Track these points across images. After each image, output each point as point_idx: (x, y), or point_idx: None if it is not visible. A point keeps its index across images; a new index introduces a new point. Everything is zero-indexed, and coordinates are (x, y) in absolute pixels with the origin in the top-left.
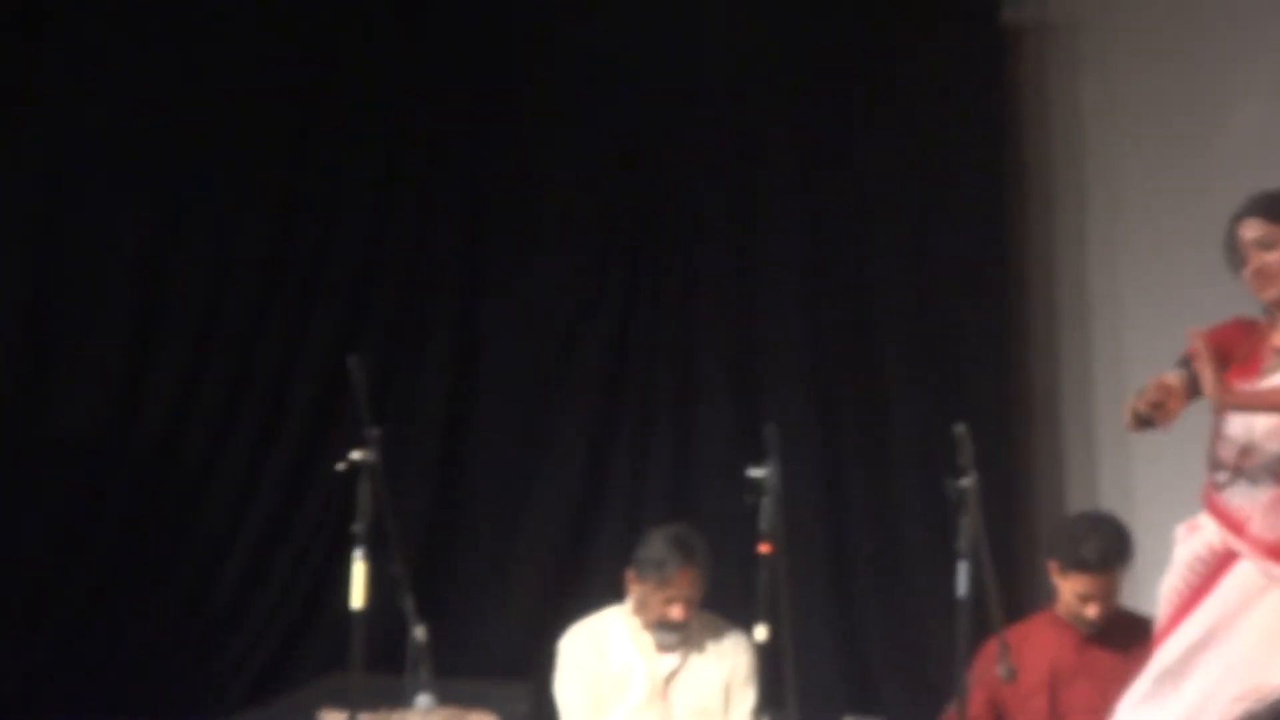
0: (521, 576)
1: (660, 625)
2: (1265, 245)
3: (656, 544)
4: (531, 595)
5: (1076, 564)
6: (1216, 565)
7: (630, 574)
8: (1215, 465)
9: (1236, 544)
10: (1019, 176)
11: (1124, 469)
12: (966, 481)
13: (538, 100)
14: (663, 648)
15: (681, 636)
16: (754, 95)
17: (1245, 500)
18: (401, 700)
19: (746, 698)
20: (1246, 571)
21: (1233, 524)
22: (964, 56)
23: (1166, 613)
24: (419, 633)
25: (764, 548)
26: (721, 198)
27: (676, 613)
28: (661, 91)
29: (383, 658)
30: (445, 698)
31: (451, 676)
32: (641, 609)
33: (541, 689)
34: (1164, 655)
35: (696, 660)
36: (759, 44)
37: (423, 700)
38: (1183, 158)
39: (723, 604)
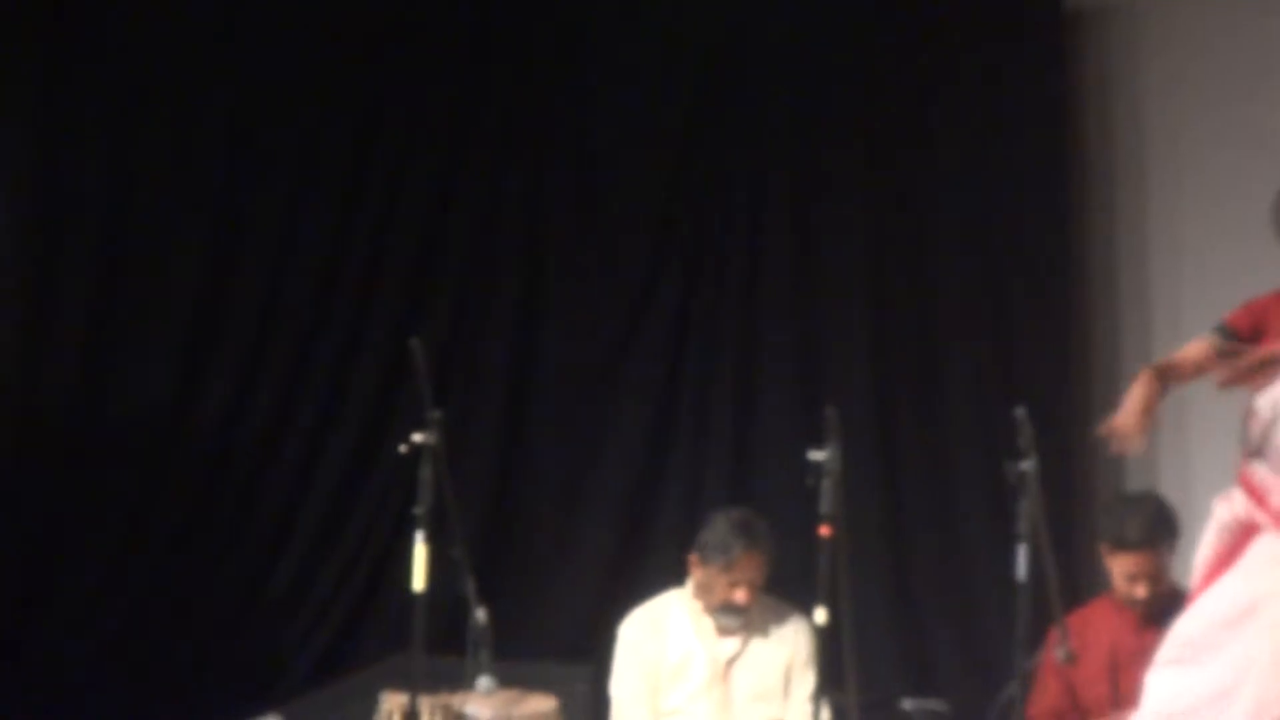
0: (582, 559)
1: (723, 609)
2: None
3: (721, 528)
4: (592, 578)
5: (1120, 543)
6: (1242, 535)
7: (694, 558)
8: (1245, 438)
9: (1260, 515)
10: (1081, 161)
11: (1182, 451)
12: (1026, 465)
13: (601, 82)
14: (724, 631)
15: (743, 620)
16: (817, 79)
17: (1270, 473)
18: (463, 682)
19: (806, 681)
20: (1269, 544)
21: (1258, 496)
22: (1026, 40)
23: (1196, 582)
24: (480, 615)
25: (824, 530)
26: (784, 182)
27: (741, 597)
28: (726, 73)
29: (444, 640)
30: (506, 680)
31: (512, 659)
32: (705, 593)
33: (602, 671)
34: (1188, 624)
35: (757, 644)
36: (824, 27)
37: (483, 683)
38: (1244, 141)
39: (783, 586)
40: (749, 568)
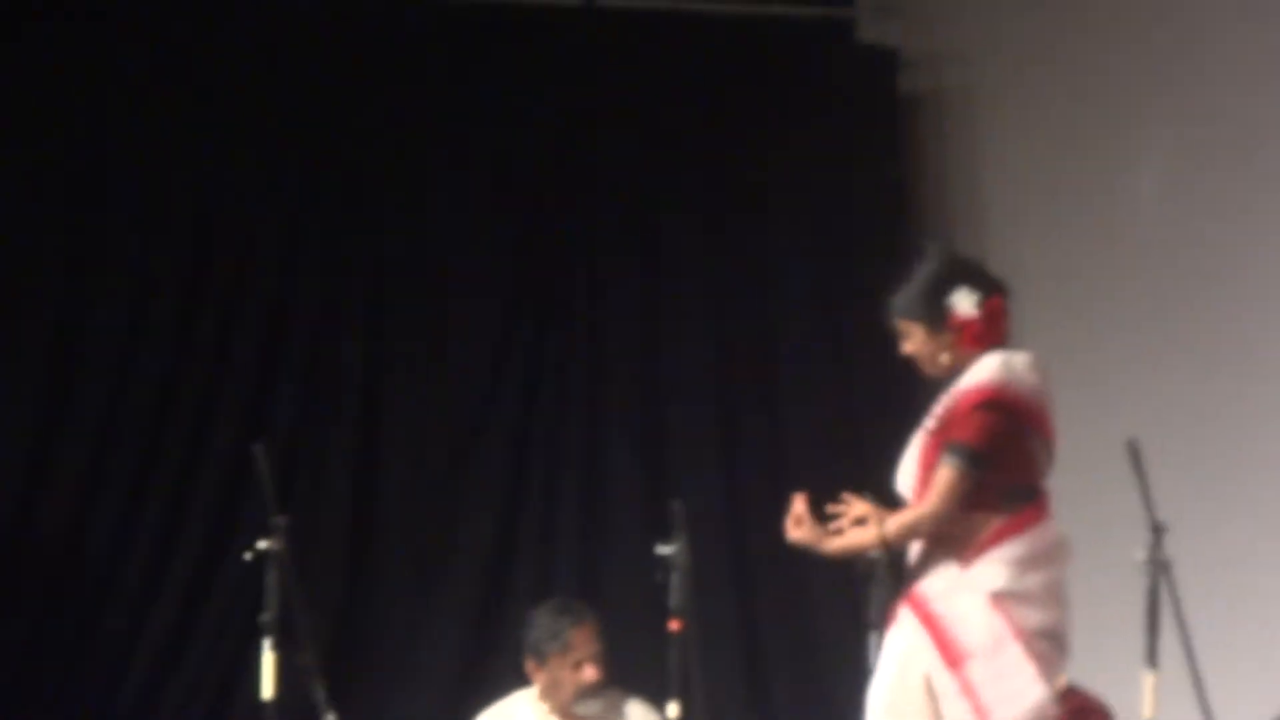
0: (431, 662)
1: (579, 698)
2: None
3: (543, 619)
4: (441, 681)
5: None
6: None
7: (530, 664)
8: None
9: None
10: (921, 244)
11: None
12: (875, 554)
13: (438, 175)
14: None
15: (603, 704)
16: (655, 165)
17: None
18: None
19: None
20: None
21: None
22: (863, 125)
23: None
24: None
25: (674, 625)
26: (626, 272)
27: (590, 674)
28: (565, 160)
29: None
30: None
31: None
32: (555, 691)
33: None
34: None
35: None
36: (659, 113)
37: None
38: (1082, 223)
39: (635, 682)
40: (586, 642)
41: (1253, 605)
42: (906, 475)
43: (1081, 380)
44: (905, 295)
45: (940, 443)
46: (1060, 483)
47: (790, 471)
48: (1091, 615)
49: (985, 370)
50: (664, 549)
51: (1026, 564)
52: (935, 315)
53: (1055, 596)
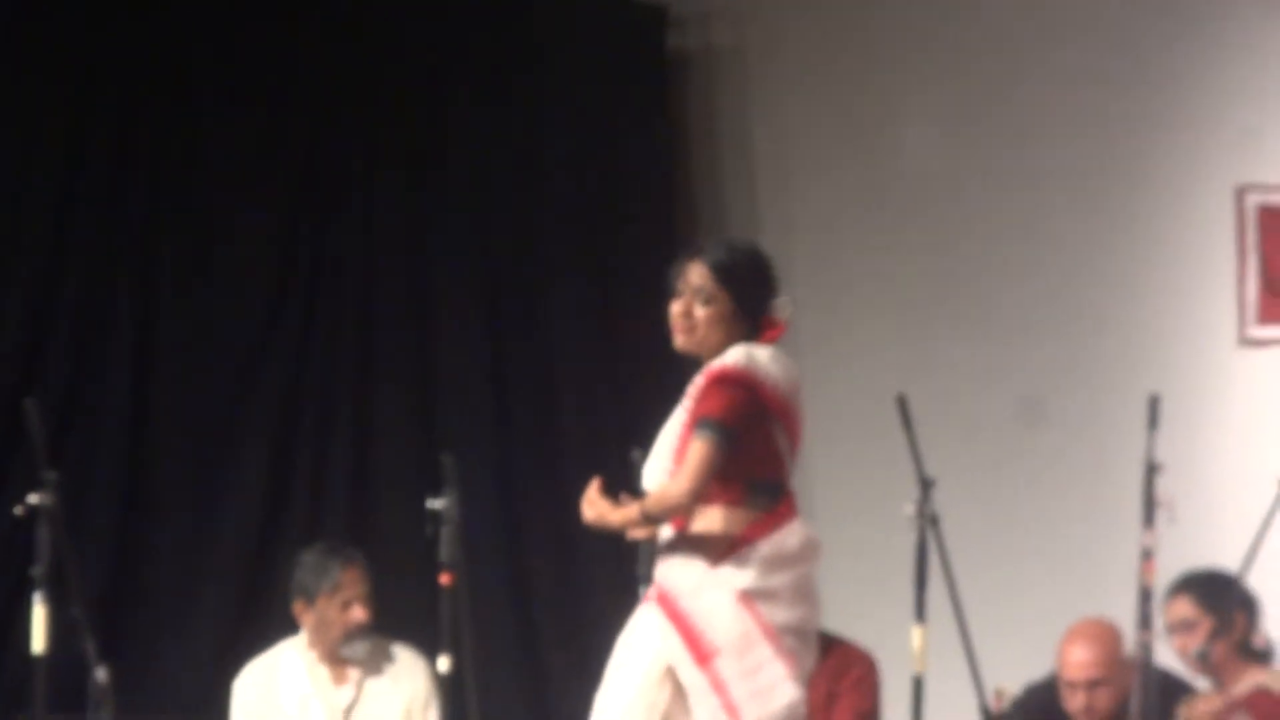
0: (202, 615)
1: (347, 639)
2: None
3: (311, 560)
4: (212, 633)
5: None
6: None
7: (298, 604)
8: None
9: None
10: (690, 203)
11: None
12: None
13: (214, 131)
14: (350, 663)
15: (369, 648)
16: (424, 120)
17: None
18: None
19: None
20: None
21: None
22: (631, 83)
23: None
24: (100, 674)
25: (445, 579)
26: (398, 225)
27: (359, 614)
28: (337, 109)
29: (65, 701)
30: None
31: (135, 717)
32: (323, 631)
33: None
34: None
35: (373, 687)
36: (427, 65)
37: None
38: (851, 181)
39: (405, 636)
40: (354, 582)
41: (1019, 559)
42: (656, 469)
43: (851, 335)
44: (731, 259)
45: (690, 424)
46: (831, 437)
47: (560, 426)
48: (861, 569)
49: (728, 356)
50: (434, 503)
51: (774, 563)
52: (751, 298)
53: (803, 594)
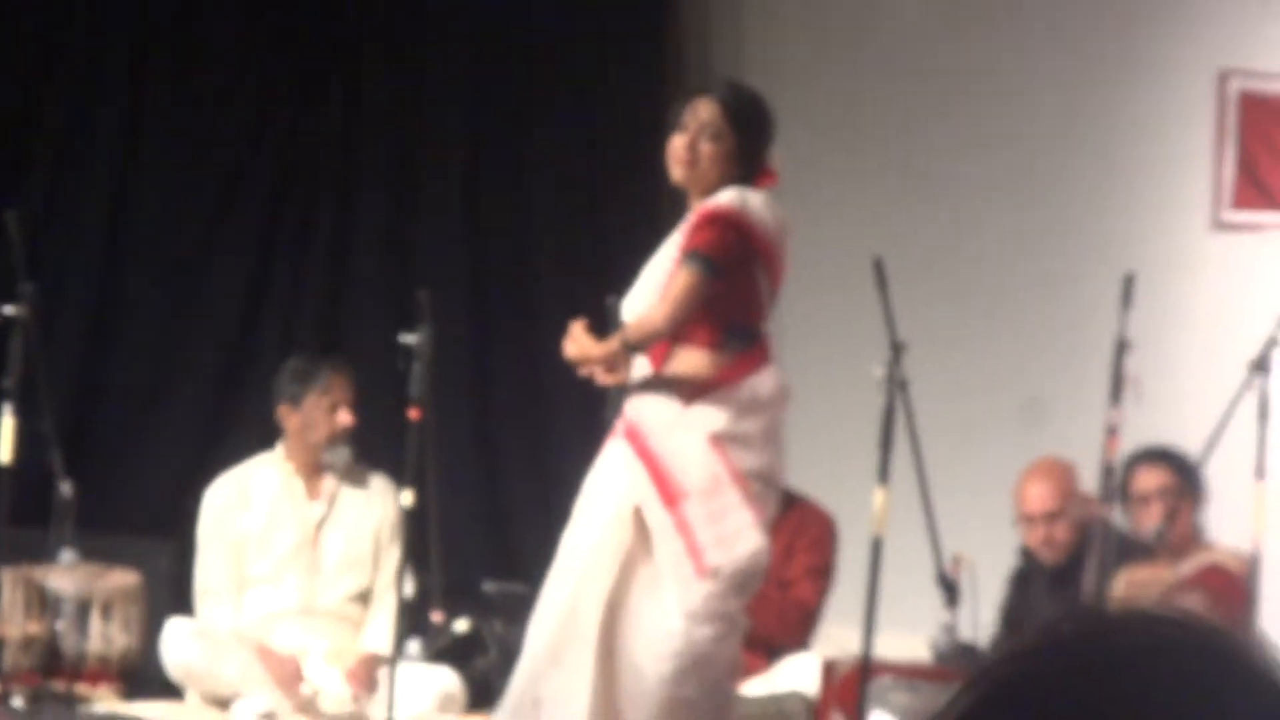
0: (170, 434)
1: (331, 441)
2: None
3: (298, 364)
4: (179, 453)
5: None
6: None
7: (283, 407)
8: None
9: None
10: (678, 55)
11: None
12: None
13: None
14: (328, 473)
15: (349, 461)
16: None
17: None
18: (45, 555)
19: (393, 555)
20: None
21: None
22: None
23: None
24: (65, 488)
25: (413, 413)
26: (384, 60)
27: (345, 418)
28: None
29: (29, 512)
30: (89, 554)
31: (98, 532)
32: (307, 433)
33: (185, 545)
34: None
35: (346, 504)
36: None
37: (66, 556)
38: (836, 42)
39: (372, 468)
40: (343, 387)
41: (985, 429)
42: (639, 304)
43: (829, 197)
44: (740, 100)
45: (678, 259)
46: (805, 298)
47: (535, 268)
48: (828, 430)
49: (722, 196)
50: (407, 337)
51: (747, 407)
52: (753, 142)
53: (772, 440)
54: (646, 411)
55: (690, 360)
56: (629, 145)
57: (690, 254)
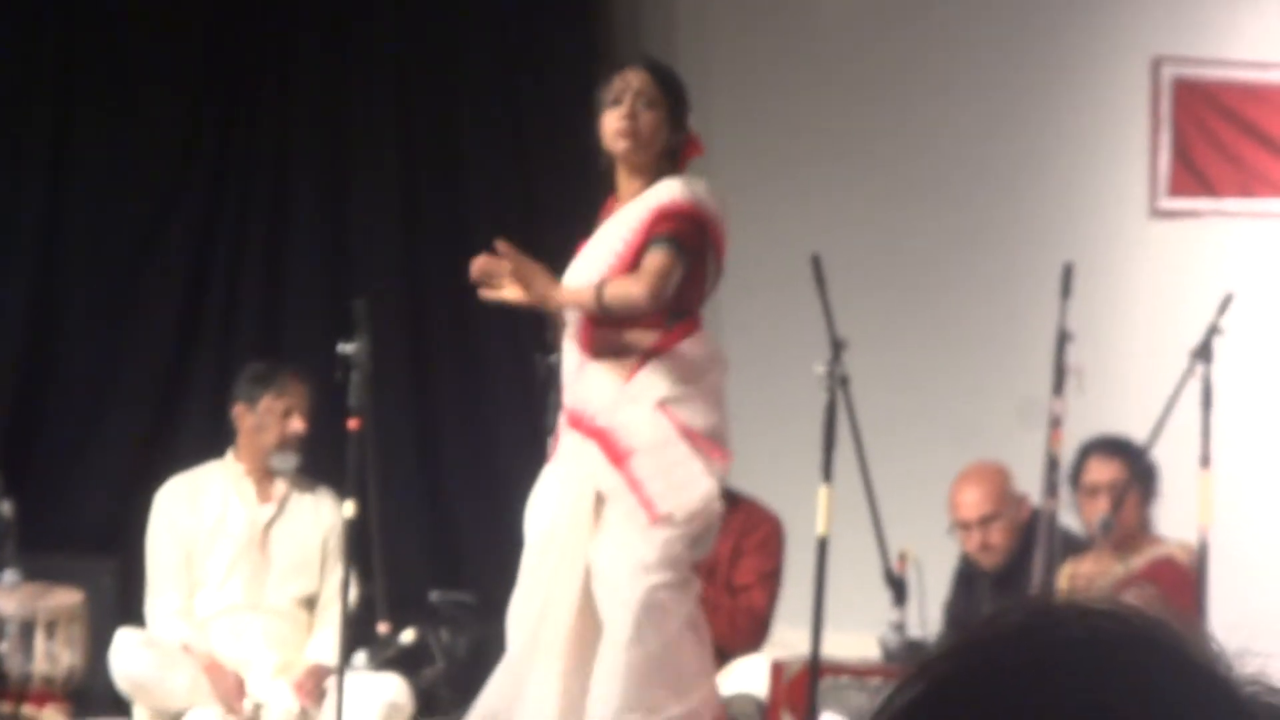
0: (108, 451)
1: (280, 448)
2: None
3: (259, 368)
4: (118, 471)
5: None
6: None
7: (240, 406)
8: None
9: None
10: (610, 48)
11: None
12: (555, 358)
13: None
14: (277, 478)
15: (297, 468)
16: None
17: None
18: None
19: (337, 569)
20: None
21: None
22: None
23: None
24: (4, 508)
25: (352, 424)
26: (315, 69)
27: (298, 424)
28: None
29: None
30: (31, 573)
31: (39, 552)
32: (259, 434)
33: (128, 561)
34: None
35: (295, 508)
36: None
37: (8, 577)
38: (769, 37)
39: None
40: (300, 394)
41: (928, 424)
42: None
43: (767, 193)
44: (666, 69)
45: (641, 244)
46: (744, 296)
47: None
48: (770, 429)
49: (673, 189)
50: (345, 347)
51: (687, 371)
52: (681, 110)
53: (717, 400)
54: (589, 397)
55: (626, 340)
56: (561, 139)
57: (661, 236)
